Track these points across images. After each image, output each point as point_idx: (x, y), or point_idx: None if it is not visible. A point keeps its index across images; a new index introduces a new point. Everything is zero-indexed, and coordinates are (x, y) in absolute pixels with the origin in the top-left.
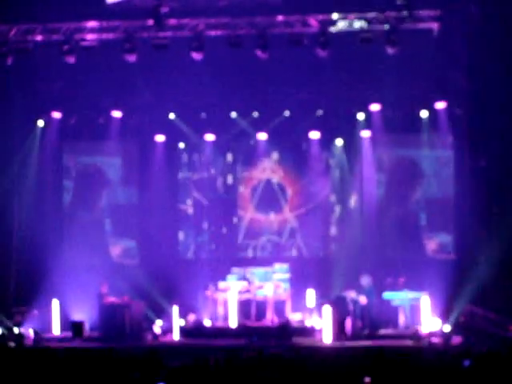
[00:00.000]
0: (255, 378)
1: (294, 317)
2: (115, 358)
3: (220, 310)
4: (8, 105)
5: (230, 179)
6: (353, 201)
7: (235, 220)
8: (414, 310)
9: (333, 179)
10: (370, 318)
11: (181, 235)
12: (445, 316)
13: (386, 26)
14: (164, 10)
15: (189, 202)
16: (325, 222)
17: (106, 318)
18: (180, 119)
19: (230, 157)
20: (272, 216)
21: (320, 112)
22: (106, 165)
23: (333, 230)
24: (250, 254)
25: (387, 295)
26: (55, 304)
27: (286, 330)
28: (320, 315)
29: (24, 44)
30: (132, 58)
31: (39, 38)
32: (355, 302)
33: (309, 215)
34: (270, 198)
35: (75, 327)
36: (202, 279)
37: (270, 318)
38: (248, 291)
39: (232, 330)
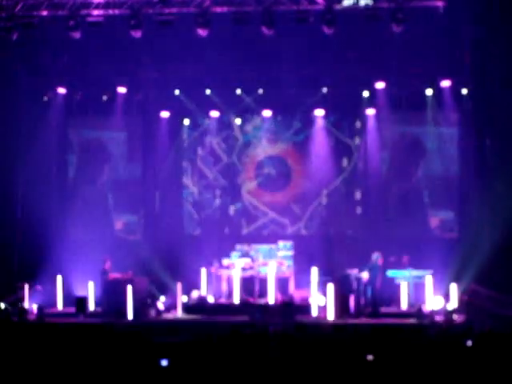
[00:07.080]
0: (258, 354)
1: (298, 294)
2: (117, 334)
3: (223, 287)
4: (13, 80)
5: (234, 156)
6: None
7: (239, 197)
8: (418, 288)
9: (338, 157)
10: (373, 296)
11: (184, 211)
12: (448, 294)
13: (392, 4)
14: None
15: (193, 178)
16: (329, 200)
17: (110, 293)
18: (185, 95)
19: (234, 133)
20: (276, 193)
21: (325, 89)
22: (111, 140)
23: (337, 208)
24: (253, 231)
25: (391, 273)
26: (59, 279)
27: (289, 308)
28: (323, 293)
29: (29, 19)
30: (137, 34)
31: (45, 13)
32: (359, 280)
33: (313, 192)
34: (273, 175)
35: (79, 303)
36: (206, 256)
37: (274, 296)
38: (252, 268)
39: (235, 306)
